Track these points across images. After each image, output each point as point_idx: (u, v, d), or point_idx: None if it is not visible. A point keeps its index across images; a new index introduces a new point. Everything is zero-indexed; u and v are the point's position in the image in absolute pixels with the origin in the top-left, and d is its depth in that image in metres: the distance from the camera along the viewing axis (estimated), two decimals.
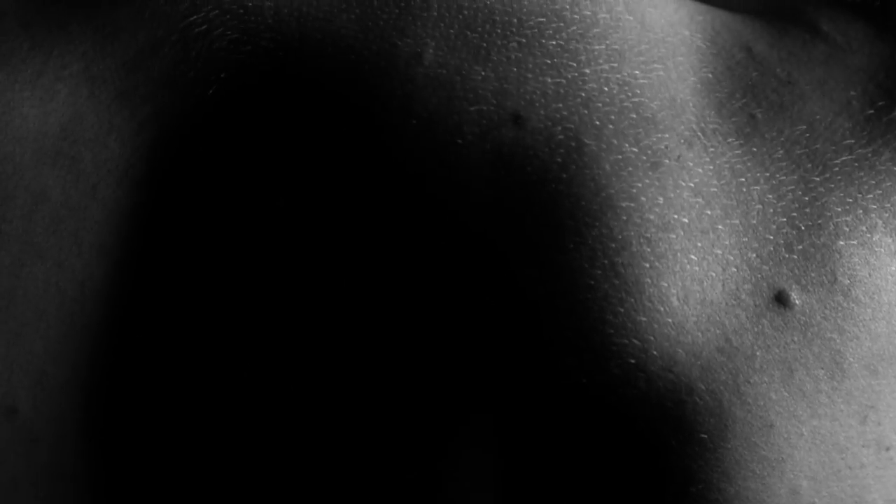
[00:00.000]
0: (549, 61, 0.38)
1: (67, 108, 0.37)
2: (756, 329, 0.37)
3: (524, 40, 0.38)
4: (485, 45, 0.38)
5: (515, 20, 0.39)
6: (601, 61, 0.38)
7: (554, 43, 0.38)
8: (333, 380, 0.36)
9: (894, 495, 0.39)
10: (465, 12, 0.39)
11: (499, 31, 0.38)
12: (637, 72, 0.38)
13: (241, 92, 0.37)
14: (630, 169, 0.37)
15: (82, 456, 0.37)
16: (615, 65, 0.38)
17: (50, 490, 0.37)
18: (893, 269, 0.38)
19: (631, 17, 0.40)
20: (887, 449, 0.38)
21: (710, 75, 0.39)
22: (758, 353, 0.37)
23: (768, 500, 0.37)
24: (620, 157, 0.37)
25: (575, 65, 0.38)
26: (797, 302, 0.37)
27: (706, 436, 0.36)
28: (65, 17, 0.38)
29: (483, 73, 0.38)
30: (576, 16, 0.39)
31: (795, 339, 0.37)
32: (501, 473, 0.36)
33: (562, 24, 0.39)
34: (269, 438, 0.36)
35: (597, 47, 0.39)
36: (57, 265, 0.36)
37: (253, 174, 0.37)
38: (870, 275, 0.38)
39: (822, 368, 0.37)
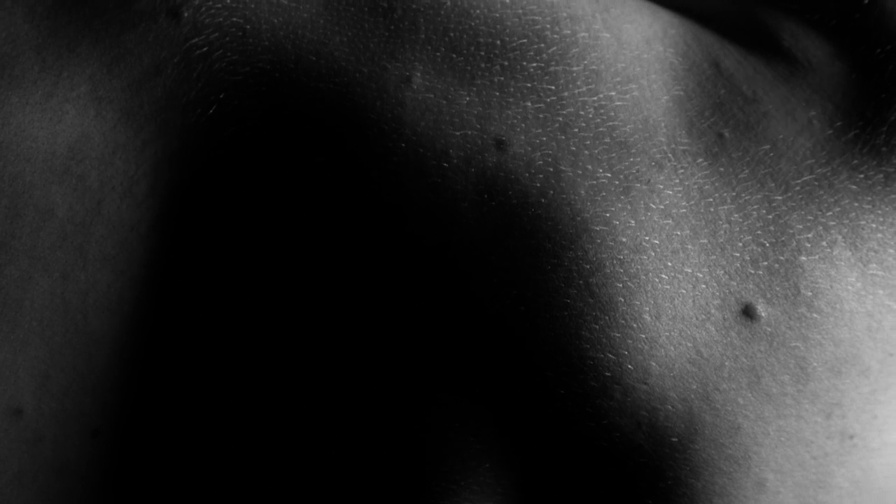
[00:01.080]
0: (529, 85, 0.39)
1: (75, 128, 0.38)
2: (725, 341, 0.38)
3: (507, 63, 0.39)
4: (469, 68, 0.39)
5: (499, 42, 0.39)
6: (579, 83, 0.39)
7: (535, 65, 0.39)
8: (330, 386, 0.38)
9: (858, 476, 0.40)
10: (452, 34, 0.39)
11: (483, 53, 0.39)
12: (613, 93, 0.39)
13: (240, 111, 0.39)
14: (604, 194, 0.38)
15: (86, 453, 0.38)
16: (592, 86, 0.39)
17: (54, 485, 0.38)
18: (853, 279, 0.39)
19: (608, 35, 0.40)
20: (851, 437, 0.40)
21: (682, 93, 0.40)
22: (726, 363, 0.38)
23: (735, 493, 0.38)
24: (595, 182, 0.38)
25: (554, 88, 0.39)
26: (763, 314, 0.38)
27: (676, 439, 0.38)
28: (75, 40, 0.39)
29: (468, 98, 0.39)
30: (556, 35, 0.40)
31: (762, 348, 0.38)
32: (495, 473, 0.38)
33: (542, 45, 0.40)
34: (267, 440, 0.38)
35: (575, 68, 0.39)
36: (62, 277, 0.38)
37: (250, 189, 0.38)
38: (831, 287, 0.39)
39: (788, 374, 0.39)
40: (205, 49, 0.39)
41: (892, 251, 0.40)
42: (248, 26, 0.39)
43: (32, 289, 0.37)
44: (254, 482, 0.38)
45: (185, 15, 0.39)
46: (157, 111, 0.39)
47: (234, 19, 0.39)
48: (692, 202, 0.39)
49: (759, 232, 0.39)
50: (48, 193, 0.38)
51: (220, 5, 0.39)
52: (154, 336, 0.38)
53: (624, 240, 0.38)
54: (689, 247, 0.38)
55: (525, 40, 0.40)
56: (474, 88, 0.39)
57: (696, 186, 0.39)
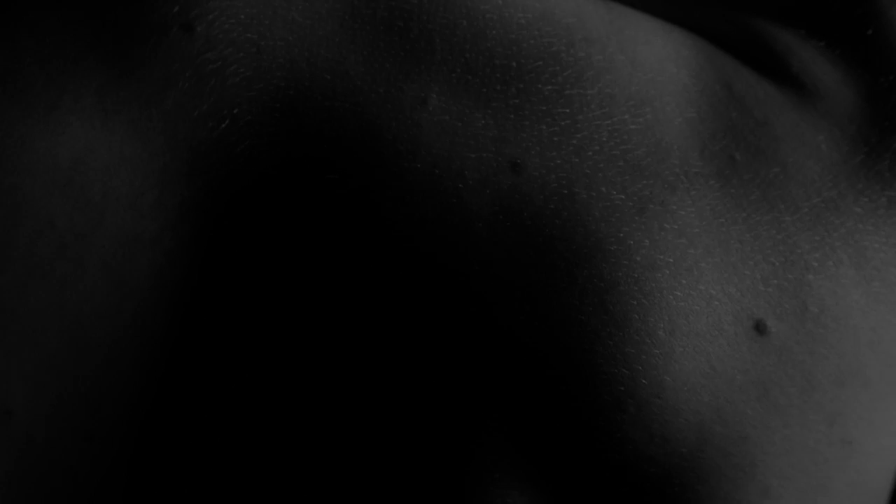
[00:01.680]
0: (544, 108, 0.39)
1: (79, 139, 0.38)
2: (737, 355, 0.39)
3: (522, 85, 0.40)
4: (485, 90, 0.39)
5: (514, 64, 0.40)
6: (594, 106, 0.40)
7: (550, 88, 0.40)
8: (334, 394, 0.38)
9: (855, 479, 0.42)
10: (468, 55, 0.40)
11: (498, 75, 0.39)
12: (627, 116, 0.40)
13: (253, 127, 0.39)
14: (618, 215, 0.39)
15: (80, 456, 0.38)
16: (606, 110, 0.40)
17: (45, 487, 0.38)
18: (857, 296, 0.41)
19: (623, 57, 0.41)
20: (850, 443, 0.41)
21: (695, 115, 0.41)
22: (738, 376, 0.39)
23: (740, 499, 0.40)
24: (609, 203, 0.39)
25: (569, 111, 0.40)
26: (773, 330, 0.40)
27: (686, 449, 0.39)
28: (82, 53, 0.39)
29: (483, 121, 0.39)
30: (571, 58, 0.40)
31: (771, 361, 0.40)
32: (504, 484, 0.38)
33: (558, 68, 0.40)
34: (260, 448, 0.38)
35: (590, 92, 0.40)
36: (60, 286, 0.37)
37: (261, 205, 0.38)
38: (837, 303, 0.40)
39: (794, 386, 0.40)
40: (218, 64, 0.39)
41: (894, 270, 0.42)
42: (263, 42, 0.39)
43: (27, 297, 0.37)
44: (248, 491, 0.38)
45: (199, 29, 0.39)
46: (167, 124, 0.38)
47: (249, 35, 0.39)
48: (705, 222, 0.40)
49: (769, 251, 0.40)
50: (48, 204, 0.37)
51: (233, 21, 0.39)
52: (152, 344, 0.38)
53: (638, 258, 0.39)
54: (703, 265, 0.39)
55: (541, 63, 0.40)
56: (490, 111, 0.39)
57: (708, 207, 0.40)
